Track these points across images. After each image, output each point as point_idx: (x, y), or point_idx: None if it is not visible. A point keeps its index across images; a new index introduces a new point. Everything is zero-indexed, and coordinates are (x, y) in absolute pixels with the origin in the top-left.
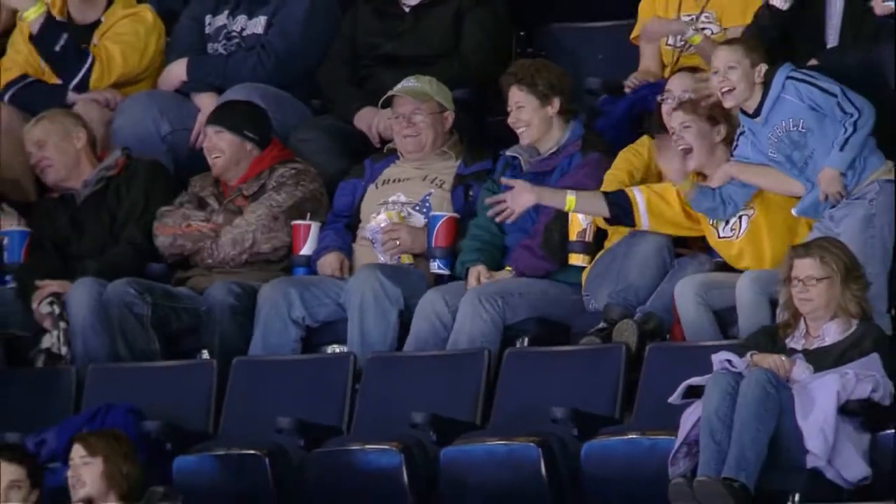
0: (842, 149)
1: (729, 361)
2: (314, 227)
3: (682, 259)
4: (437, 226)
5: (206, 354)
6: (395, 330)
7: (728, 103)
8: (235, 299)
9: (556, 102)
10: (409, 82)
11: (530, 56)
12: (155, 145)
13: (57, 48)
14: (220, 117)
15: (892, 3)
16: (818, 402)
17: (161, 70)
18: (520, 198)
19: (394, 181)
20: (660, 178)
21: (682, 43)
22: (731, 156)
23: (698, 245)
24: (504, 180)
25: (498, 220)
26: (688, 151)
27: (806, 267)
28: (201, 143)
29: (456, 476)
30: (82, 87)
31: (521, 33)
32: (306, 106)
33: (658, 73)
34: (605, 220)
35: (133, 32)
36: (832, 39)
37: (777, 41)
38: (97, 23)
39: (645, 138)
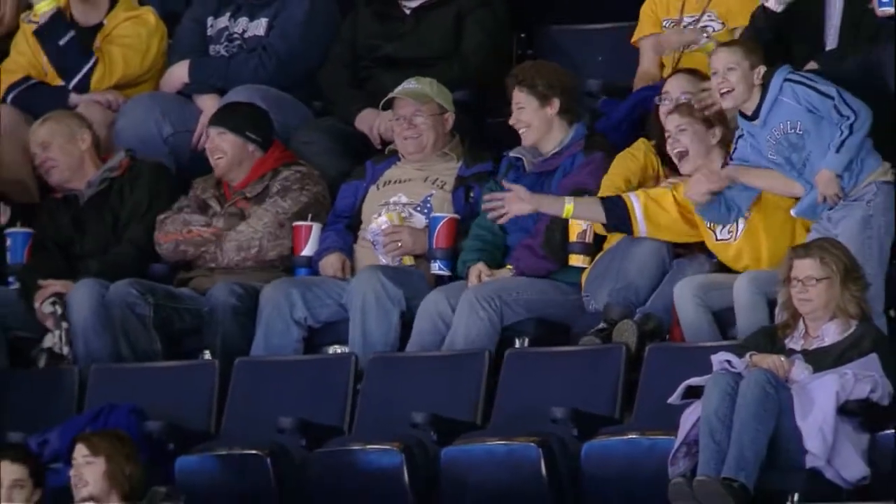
0: (838, 151)
1: (728, 362)
2: (315, 228)
3: (682, 260)
4: (438, 227)
5: (208, 355)
6: (396, 331)
7: (727, 104)
8: (237, 300)
9: (556, 103)
10: (410, 84)
11: (530, 58)
12: (157, 147)
13: (61, 43)
14: (223, 118)
15: (891, 8)
16: (817, 403)
17: (163, 72)
18: (517, 204)
19: (395, 182)
20: (657, 181)
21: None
22: (731, 159)
23: (697, 246)
24: (506, 184)
25: (490, 217)
26: (683, 154)
27: (805, 267)
28: (203, 144)
29: (456, 476)
30: (83, 87)
31: (522, 35)
32: (307, 107)
33: (657, 74)
34: (603, 226)
35: (135, 35)
36: (831, 41)
37: (773, 43)
38: (99, 25)
39: (641, 142)
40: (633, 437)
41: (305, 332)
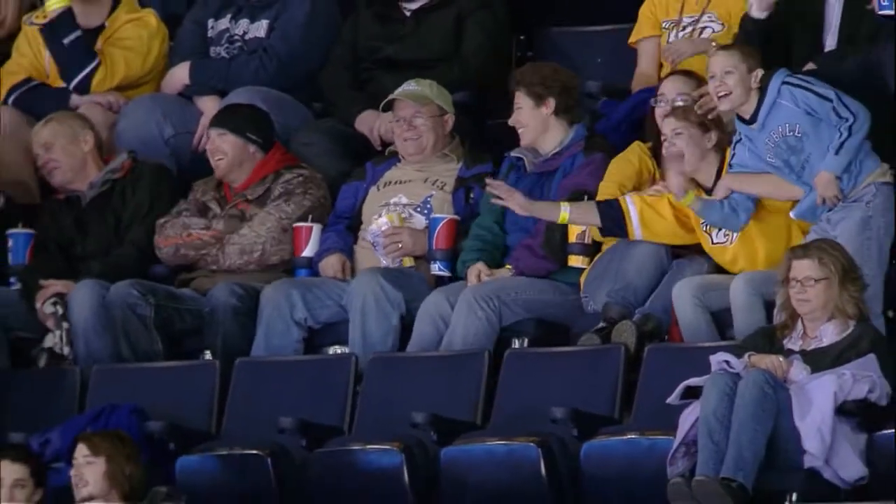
0: (837, 153)
1: (727, 362)
2: (316, 228)
3: (681, 261)
4: (438, 228)
5: (208, 355)
6: (396, 334)
7: (724, 106)
8: (238, 300)
9: (551, 102)
10: (410, 86)
11: (530, 60)
12: (158, 148)
13: (66, 42)
14: (223, 120)
15: (891, 11)
16: (815, 403)
17: (164, 73)
18: (516, 202)
19: (395, 183)
20: (652, 183)
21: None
22: (730, 164)
23: (696, 247)
24: (506, 188)
25: (492, 199)
26: (679, 157)
27: (804, 268)
28: (204, 145)
29: (456, 476)
30: (83, 88)
31: (522, 37)
32: (308, 109)
33: (655, 76)
34: (600, 231)
35: (136, 37)
36: (831, 41)
37: (764, 47)
38: (101, 27)
39: (635, 145)
40: (633, 437)
41: (305, 333)
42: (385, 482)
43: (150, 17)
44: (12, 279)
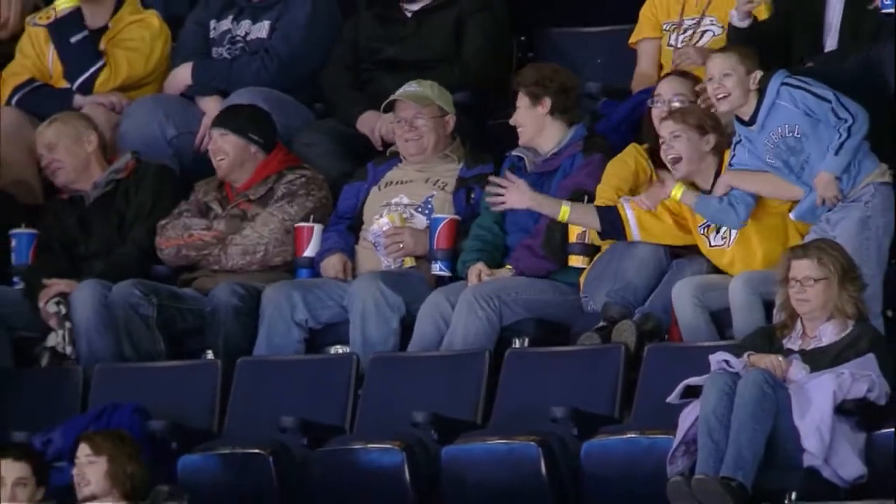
0: (836, 153)
1: (726, 362)
2: (317, 229)
3: (680, 261)
4: (439, 228)
5: (210, 355)
6: (396, 336)
7: (722, 108)
8: (239, 300)
9: (547, 102)
10: (411, 87)
11: (531, 61)
12: (160, 149)
13: (72, 40)
14: (225, 120)
15: (892, 8)
16: (815, 402)
17: (167, 74)
18: (516, 195)
19: (396, 183)
20: (650, 184)
21: (684, 44)
22: (730, 165)
23: (696, 247)
24: (508, 175)
25: (488, 199)
26: (677, 160)
27: (804, 268)
28: (206, 146)
29: (457, 474)
30: (86, 88)
31: (522, 38)
32: (309, 109)
33: (655, 76)
34: (598, 233)
35: (139, 38)
36: (831, 42)
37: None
38: (104, 28)
39: (631, 146)
40: (633, 436)
41: (307, 334)
42: (386, 481)
43: (153, 18)
44: (16, 279)
